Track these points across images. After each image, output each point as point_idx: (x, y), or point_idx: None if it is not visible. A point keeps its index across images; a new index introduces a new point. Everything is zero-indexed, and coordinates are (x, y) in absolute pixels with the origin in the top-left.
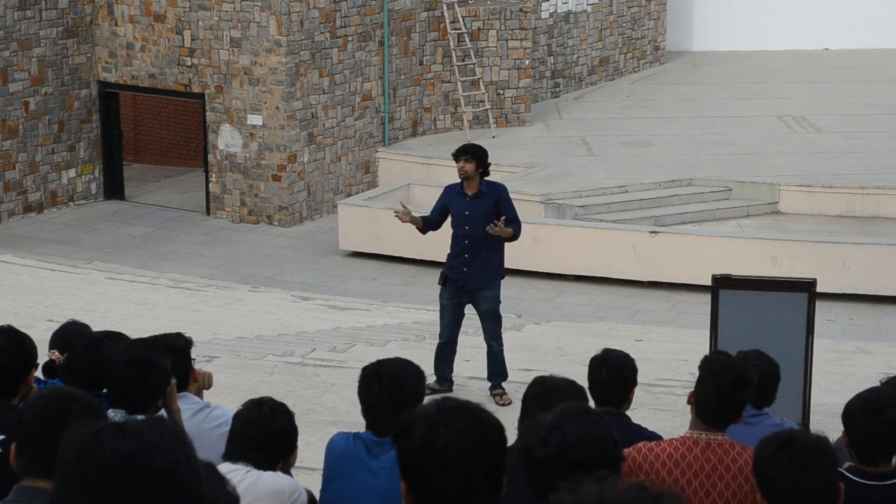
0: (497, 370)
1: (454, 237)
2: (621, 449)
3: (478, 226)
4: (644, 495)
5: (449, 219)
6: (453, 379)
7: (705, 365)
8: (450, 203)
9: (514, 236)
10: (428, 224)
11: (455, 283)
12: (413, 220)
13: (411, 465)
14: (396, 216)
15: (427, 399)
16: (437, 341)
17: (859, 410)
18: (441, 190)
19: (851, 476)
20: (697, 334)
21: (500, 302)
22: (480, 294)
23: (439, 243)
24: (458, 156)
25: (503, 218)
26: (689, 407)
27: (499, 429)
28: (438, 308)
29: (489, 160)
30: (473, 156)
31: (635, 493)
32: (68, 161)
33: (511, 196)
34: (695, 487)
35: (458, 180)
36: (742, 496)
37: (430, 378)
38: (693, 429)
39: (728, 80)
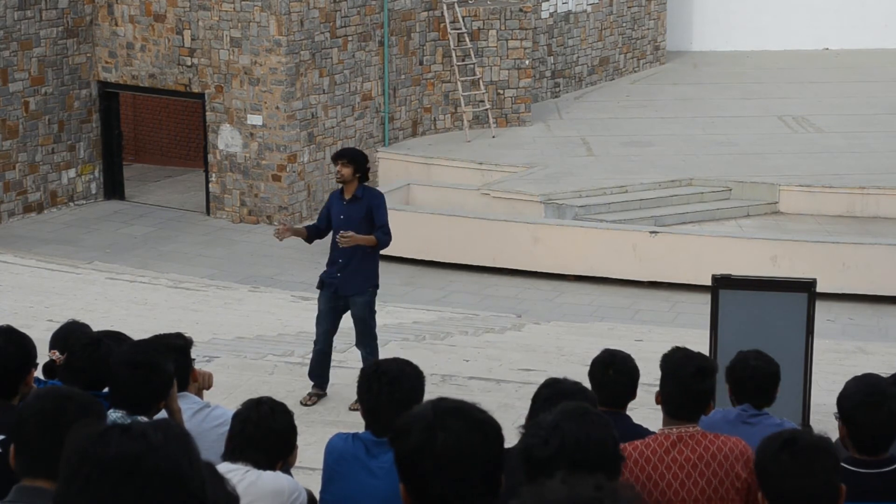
0: None
1: (332, 241)
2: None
3: (352, 231)
4: (603, 491)
5: None
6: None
7: (665, 361)
8: (332, 207)
9: (379, 243)
10: (314, 232)
11: (330, 288)
12: (295, 233)
13: (409, 468)
14: (275, 236)
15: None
16: (436, 342)
17: (860, 405)
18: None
19: (849, 466)
20: (697, 334)
21: (373, 312)
22: (352, 300)
23: (440, 243)
24: (335, 159)
25: (350, 233)
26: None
27: (495, 428)
28: (316, 312)
29: (368, 165)
30: (351, 160)
31: (593, 490)
32: (68, 161)
33: (511, 196)
34: (668, 480)
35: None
36: (717, 482)
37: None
38: (665, 426)
39: (728, 80)
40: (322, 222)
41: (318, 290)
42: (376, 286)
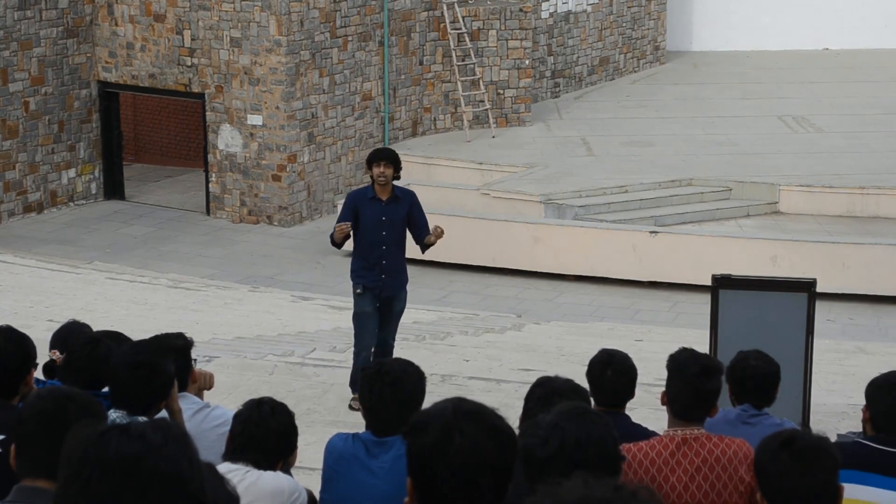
0: None
1: (367, 245)
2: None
3: (396, 231)
4: (620, 493)
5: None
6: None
7: (671, 361)
8: (361, 209)
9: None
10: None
11: (374, 291)
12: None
13: (421, 464)
14: (341, 231)
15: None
16: (436, 342)
17: (883, 385)
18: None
19: (870, 443)
20: (697, 334)
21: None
22: (397, 297)
23: (440, 243)
24: (376, 160)
25: (436, 227)
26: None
27: (511, 436)
28: (356, 317)
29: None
30: (392, 161)
31: (611, 491)
32: (68, 161)
33: (511, 196)
34: (672, 483)
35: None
36: (721, 486)
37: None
38: (670, 427)
39: (728, 80)
40: (347, 222)
41: (359, 295)
42: None
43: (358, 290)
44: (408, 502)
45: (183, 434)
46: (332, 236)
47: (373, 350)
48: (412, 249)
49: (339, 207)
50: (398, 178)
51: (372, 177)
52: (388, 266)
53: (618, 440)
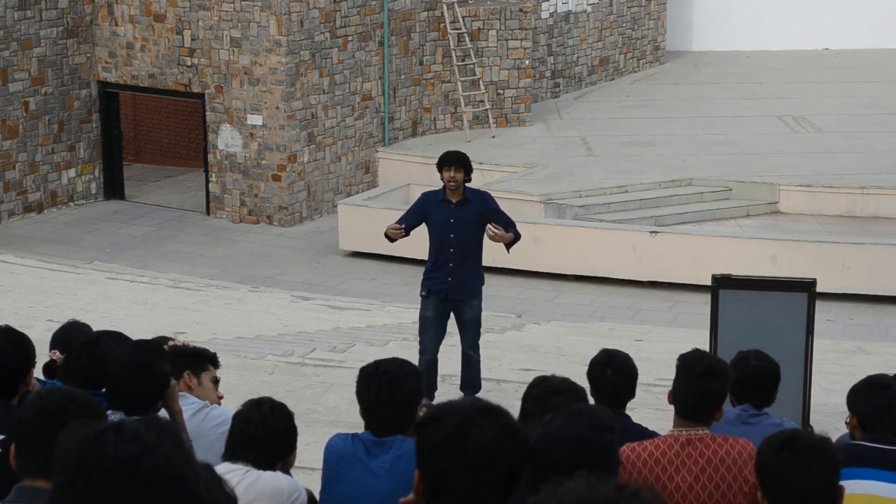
0: (472, 381)
1: (436, 247)
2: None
3: (465, 234)
4: (623, 493)
5: (423, 228)
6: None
7: (680, 361)
8: (431, 211)
9: (516, 238)
10: (406, 230)
11: (439, 295)
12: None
13: (433, 458)
14: (392, 233)
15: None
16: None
17: (865, 386)
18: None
19: (867, 443)
20: (697, 334)
21: (482, 311)
22: (467, 303)
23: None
24: (447, 165)
25: (500, 231)
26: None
27: (524, 437)
28: (419, 320)
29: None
30: (462, 164)
31: (614, 491)
32: (68, 161)
33: (511, 196)
34: (677, 483)
35: (436, 189)
36: (725, 487)
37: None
38: (675, 427)
39: (728, 80)
40: (409, 221)
41: (423, 297)
42: (483, 284)
43: (422, 293)
44: (411, 498)
45: (176, 432)
46: (386, 233)
47: (460, 362)
48: (415, 251)
49: (339, 208)
50: (469, 180)
51: (443, 180)
52: (454, 269)
53: (616, 442)
